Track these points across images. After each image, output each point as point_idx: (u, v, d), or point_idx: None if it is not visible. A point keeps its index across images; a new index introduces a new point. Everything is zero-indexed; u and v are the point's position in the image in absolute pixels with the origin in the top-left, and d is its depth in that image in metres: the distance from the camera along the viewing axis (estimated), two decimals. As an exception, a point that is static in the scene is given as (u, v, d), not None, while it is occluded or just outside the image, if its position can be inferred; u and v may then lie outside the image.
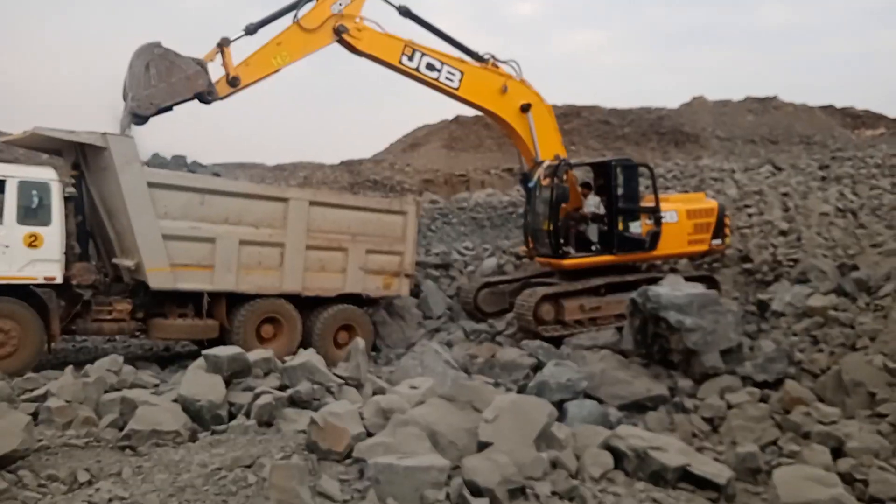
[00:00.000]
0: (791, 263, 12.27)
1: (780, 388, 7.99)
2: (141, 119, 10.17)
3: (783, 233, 13.56)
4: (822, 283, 11.02)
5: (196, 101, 10.50)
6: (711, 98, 41.33)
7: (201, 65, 10.38)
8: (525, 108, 12.09)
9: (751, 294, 12.27)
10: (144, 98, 9.96)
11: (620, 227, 11.89)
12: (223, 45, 10.55)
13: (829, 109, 41.34)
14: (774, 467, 6.14)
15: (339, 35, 10.90)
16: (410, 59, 11.25)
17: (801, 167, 18.14)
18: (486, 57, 11.99)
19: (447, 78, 11.49)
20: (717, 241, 12.73)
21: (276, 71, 10.75)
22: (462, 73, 11.65)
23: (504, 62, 12.12)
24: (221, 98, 10.54)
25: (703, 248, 12.70)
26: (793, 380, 8.12)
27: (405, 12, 11.51)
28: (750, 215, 14.87)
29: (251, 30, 10.84)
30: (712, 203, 13.06)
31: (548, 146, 12.24)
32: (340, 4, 10.86)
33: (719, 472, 5.55)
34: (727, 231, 12.91)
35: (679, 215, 12.45)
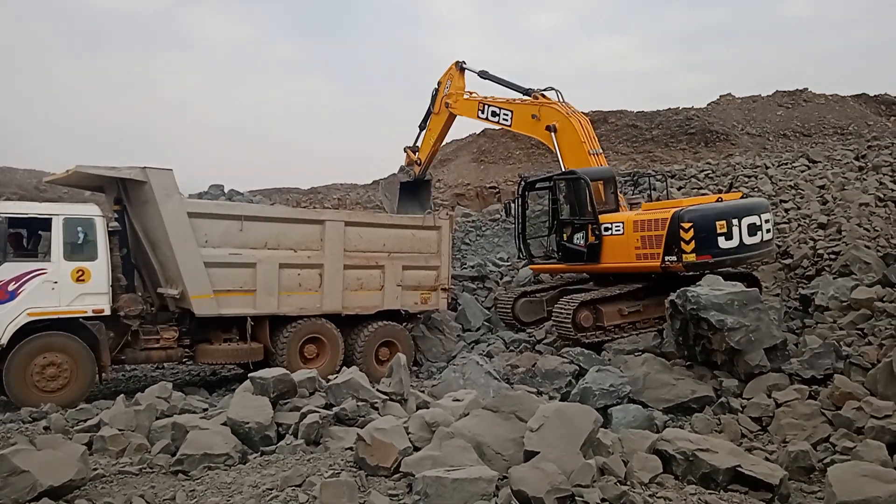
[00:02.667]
0: (832, 256, 12.08)
1: (829, 384, 7.85)
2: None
3: (822, 226, 13.34)
4: (865, 274, 10.84)
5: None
6: (739, 95, 40.94)
7: (401, 169, 15.63)
8: (549, 129, 13.00)
9: (792, 290, 12.09)
10: (389, 208, 15.49)
11: (564, 238, 12.38)
12: (407, 149, 15.61)
13: (862, 98, 40.51)
14: (829, 465, 6.04)
15: (448, 108, 14.76)
16: (482, 111, 14.36)
17: (836, 159, 17.80)
18: (530, 91, 13.62)
19: (503, 119, 14.08)
20: (672, 259, 10.63)
21: (435, 147, 15.44)
22: (512, 112, 13.90)
23: (544, 90, 13.55)
24: (419, 176, 15.45)
25: (655, 264, 10.93)
26: (842, 375, 7.96)
27: (484, 75, 14.55)
28: (787, 210, 14.65)
29: (422, 126, 15.41)
30: (665, 213, 10.90)
31: (572, 160, 12.73)
32: (447, 88, 14.77)
33: (771, 472, 5.48)
34: (686, 247, 10.48)
35: (626, 227, 11.37)
